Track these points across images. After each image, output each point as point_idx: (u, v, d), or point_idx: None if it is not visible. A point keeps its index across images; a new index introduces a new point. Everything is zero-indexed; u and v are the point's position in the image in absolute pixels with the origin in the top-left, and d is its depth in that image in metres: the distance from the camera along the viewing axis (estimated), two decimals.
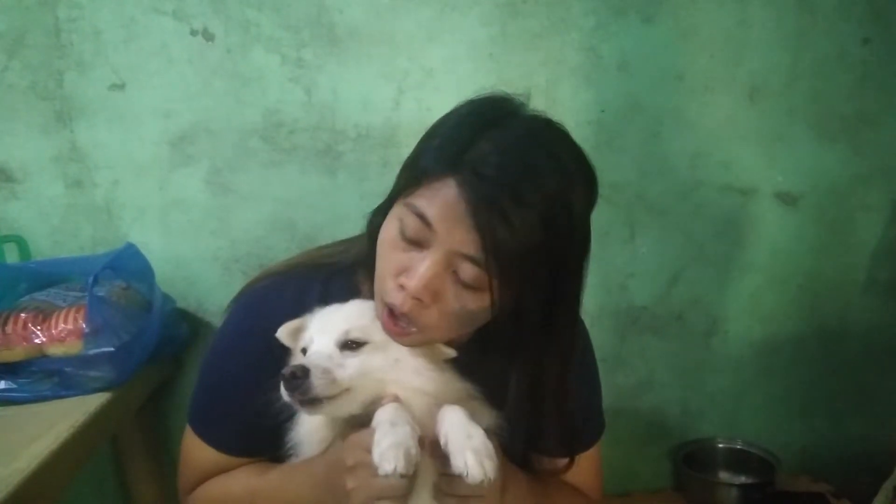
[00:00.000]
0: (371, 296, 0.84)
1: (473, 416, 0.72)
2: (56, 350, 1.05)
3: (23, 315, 1.07)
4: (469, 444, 0.65)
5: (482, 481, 0.63)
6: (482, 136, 0.73)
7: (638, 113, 1.60)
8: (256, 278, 0.95)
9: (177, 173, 1.42)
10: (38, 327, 1.06)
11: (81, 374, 1.05)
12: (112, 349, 1.05)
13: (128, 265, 1.19)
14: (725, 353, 1.78)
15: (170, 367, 1.40)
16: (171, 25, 1.36)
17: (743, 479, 1.76)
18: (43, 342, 1.05)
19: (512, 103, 0.79)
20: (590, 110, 1.57)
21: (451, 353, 0.78)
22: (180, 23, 1.37)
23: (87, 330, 1.04)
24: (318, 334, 0.75)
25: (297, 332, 0.82)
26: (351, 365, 0.72)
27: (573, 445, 0.94)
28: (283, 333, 0.82)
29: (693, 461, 1.75)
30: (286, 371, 0.68)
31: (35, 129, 1.35)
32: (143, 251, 1.27)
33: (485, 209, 0.69)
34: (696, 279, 1.72)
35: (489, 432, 0.71)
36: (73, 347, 1.05)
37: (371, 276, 0.82)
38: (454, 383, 0.79)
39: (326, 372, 0.69)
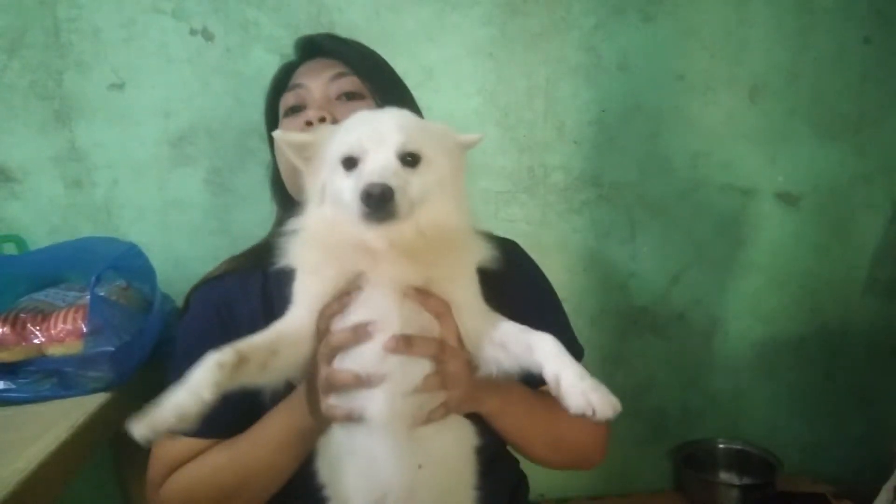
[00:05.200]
0: None
1: None
2: (55, 350, 1.05)
3: (22, 315, 1.07)
4: (587, 385, 0.64)
5: (612, 415, 0.62)
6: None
7: (638, 112, 1.60)
8: (201, 281, 1.01)
9: (176, 173, 1.41)
10: (38, 327, 1.05)
11: (81, 375, 1.04)
12: (112, 349, 1.04)
13: (130, 265, 1.18)
14: (726, 354, 1.78)
15: None
16: (170, 25, 1.36)
17: (743, 480, 1.76)
18: (42, 342, 1.05)
19: None
20: (590, 110, 1.57)
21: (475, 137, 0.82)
22: (180, 22, 1.37)
23: (87, 330, 1.04)
24: (374, 145, 0.70)
25: (308, 147, 0.77)
26: (415, 184, 0.69)
27: None
28: (284, 138, 0.78)
29: (694, 461, 1.75)
30: (373, 190, 0.64)
31: (34, 128, 1.35)
32: (143, 251, 1.27)
33: (326, 45, 1.00)
34: (697, 279, 1.72)
35: None
36: (73, 347, 1.05)
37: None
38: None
39: (404, 192, 0.66)
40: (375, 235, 0.68)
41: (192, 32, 1.37)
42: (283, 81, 1.01)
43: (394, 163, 0.69)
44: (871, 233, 1.78)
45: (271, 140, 1.00)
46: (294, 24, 1.40)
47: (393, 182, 0.66)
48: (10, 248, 1.32)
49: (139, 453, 1.37)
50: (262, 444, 0.83)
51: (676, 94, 1.61)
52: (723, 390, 1.81)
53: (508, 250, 0.91)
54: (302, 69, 0.99)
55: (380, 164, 0.68)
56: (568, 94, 1.55)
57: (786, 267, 1.75)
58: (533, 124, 1.55)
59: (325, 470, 0.78)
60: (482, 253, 0.76)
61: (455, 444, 0.78)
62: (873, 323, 1.82)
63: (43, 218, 1.39)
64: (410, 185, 0.68)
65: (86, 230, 1.40)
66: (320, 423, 0.76)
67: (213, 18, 1.37)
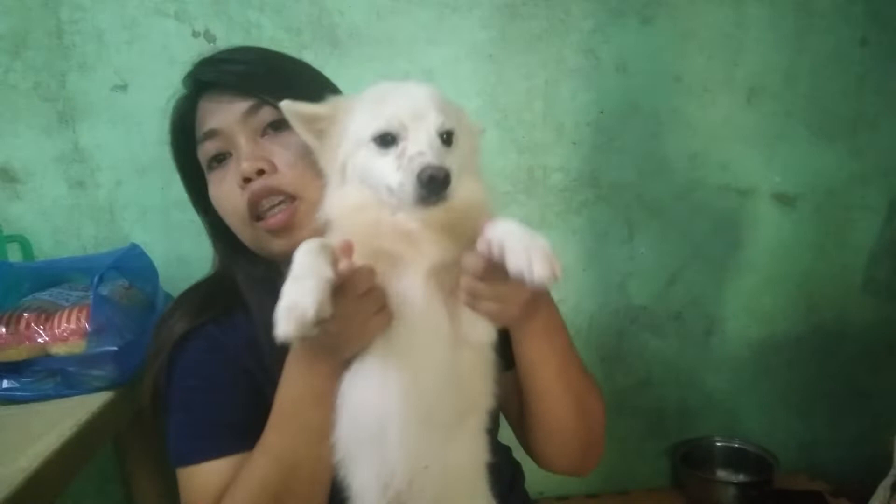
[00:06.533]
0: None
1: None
2: (59, 349, 1.06)
3: (26, 314, 1.08)
4: (534, 245, 0.62)
5: (549, 279, 0.60)
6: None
7: (636, 114, 1.61)
8: (177, 338, 0.89)
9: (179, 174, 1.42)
10: (41, 327, 1.06)
11: (84, 374, 1.05)
12: (115, 349, 1.05)
13: (132, 265, 1.19)
14: (723, 353, 1.79)
15: None
16: (172, 27, 1.37)
17: (741, 478, 1.77)
18: (46, 341, 1.06)
19: None
20: (589, 111, 1.58)
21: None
22: (182, 24, 1.38)
23: (90, 329, 1.05)
24: (414, 122, 0.68)
25: (321, 120, 0.74)
26: (452, 163, 0.67)
27: None
28: (293, 108, 0.73)
29: (691, 459, 1.76)
30: (437, 174, 0.63)
31: (38, 129, 1.36)
32: (146, 251, 1.28)
33: (214, 77, 0.87)
34: (695, 279, 1.73)
35: None
36: (76, 347, 1.05)
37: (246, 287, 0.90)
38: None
39: (454, 174, 0.65)
40: (410, 217, 0.68)
41: (195, 34, 1.38)
42: (188, 118, 0.91)
43: (437, 143, 0.68)
44: (868, 233, 1.79)
45: (193, 193, 0.97)
46: (296, 26, 1.41)
47: (446, 164, 0.65)
48: (14, 249, 1.33)
49: (141, 452, 1.39)
50: (287, 428, 0.75)
51: (674, 96, 1.62)
52: (720, 389, 1.82)
53: None
54: (204, 111, 0.88)
55: (427, 144, 0.67)
56: (567, 95, 1.56)
57: (783, 267, 1.76)
58: (532, 125, 1.56)
59: (341, 464, 0.74)
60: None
61: (467, 454, 0.76)
62: (870, 322, 1.83)
63: (47, 218, 1.40)
64: (452, 165, 0.67)
65: (89, 230, 1.41)
66: (328, 373, 0.72)
67: (215, 21, 1.38)
